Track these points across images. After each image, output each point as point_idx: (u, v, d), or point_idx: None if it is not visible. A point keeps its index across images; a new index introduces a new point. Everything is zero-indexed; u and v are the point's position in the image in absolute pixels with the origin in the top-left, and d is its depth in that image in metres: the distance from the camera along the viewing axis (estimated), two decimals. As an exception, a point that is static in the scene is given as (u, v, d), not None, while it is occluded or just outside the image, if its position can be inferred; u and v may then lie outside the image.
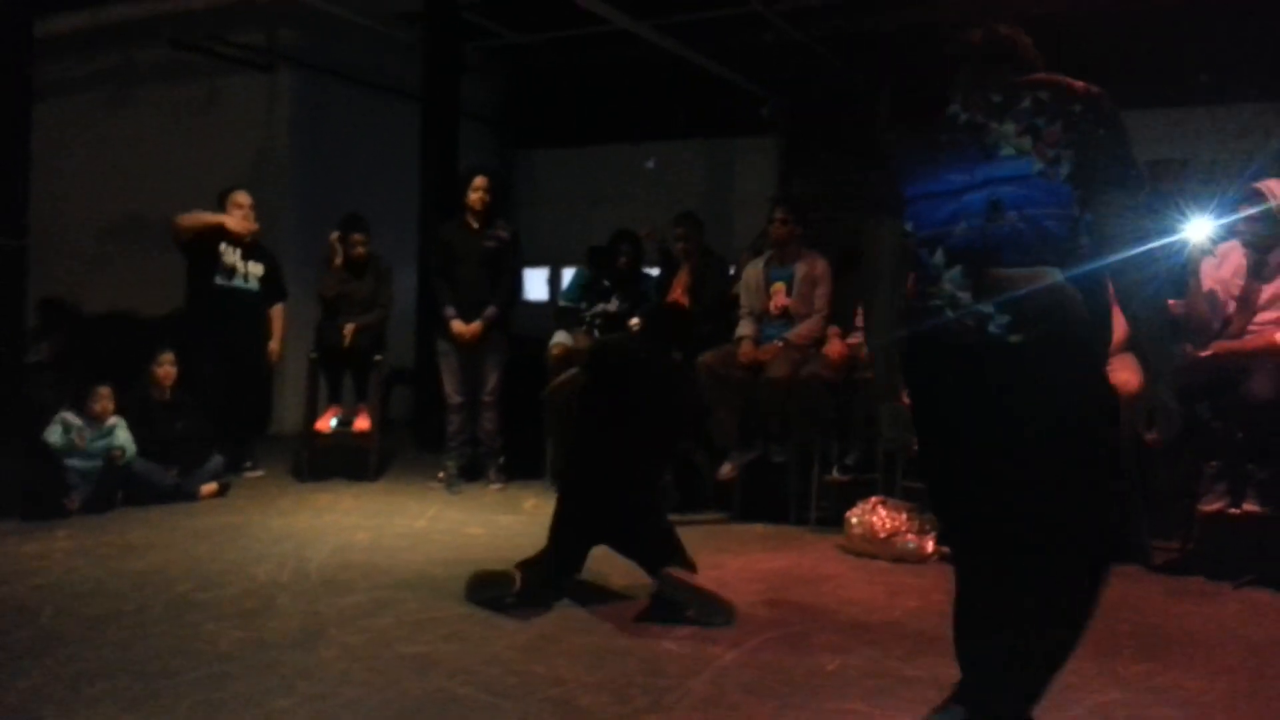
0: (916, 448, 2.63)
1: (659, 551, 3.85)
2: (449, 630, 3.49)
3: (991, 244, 2.32)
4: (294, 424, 7.90)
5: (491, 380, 6.27)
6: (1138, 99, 6.96)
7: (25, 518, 5.04)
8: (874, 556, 4.71)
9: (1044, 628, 2.35)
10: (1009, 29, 2.51)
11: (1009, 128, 2.34)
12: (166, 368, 5.85)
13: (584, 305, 6.59)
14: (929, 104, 2.56)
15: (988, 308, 2.29)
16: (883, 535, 4.72)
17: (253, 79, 8.75)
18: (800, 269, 5.77)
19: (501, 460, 6.40)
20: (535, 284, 10.59)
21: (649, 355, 4.25)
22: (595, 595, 3.97)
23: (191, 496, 5.64)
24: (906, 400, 2.62)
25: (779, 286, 5.80)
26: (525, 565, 3.85)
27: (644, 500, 4.03)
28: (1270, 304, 4.43)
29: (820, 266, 5.80)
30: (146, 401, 5.79)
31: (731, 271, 6.59)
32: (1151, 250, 2.26)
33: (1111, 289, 2.36)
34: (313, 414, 6.62)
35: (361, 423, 6.59)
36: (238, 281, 6.46)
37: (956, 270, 2.35)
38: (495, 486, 6.29)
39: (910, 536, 4.70)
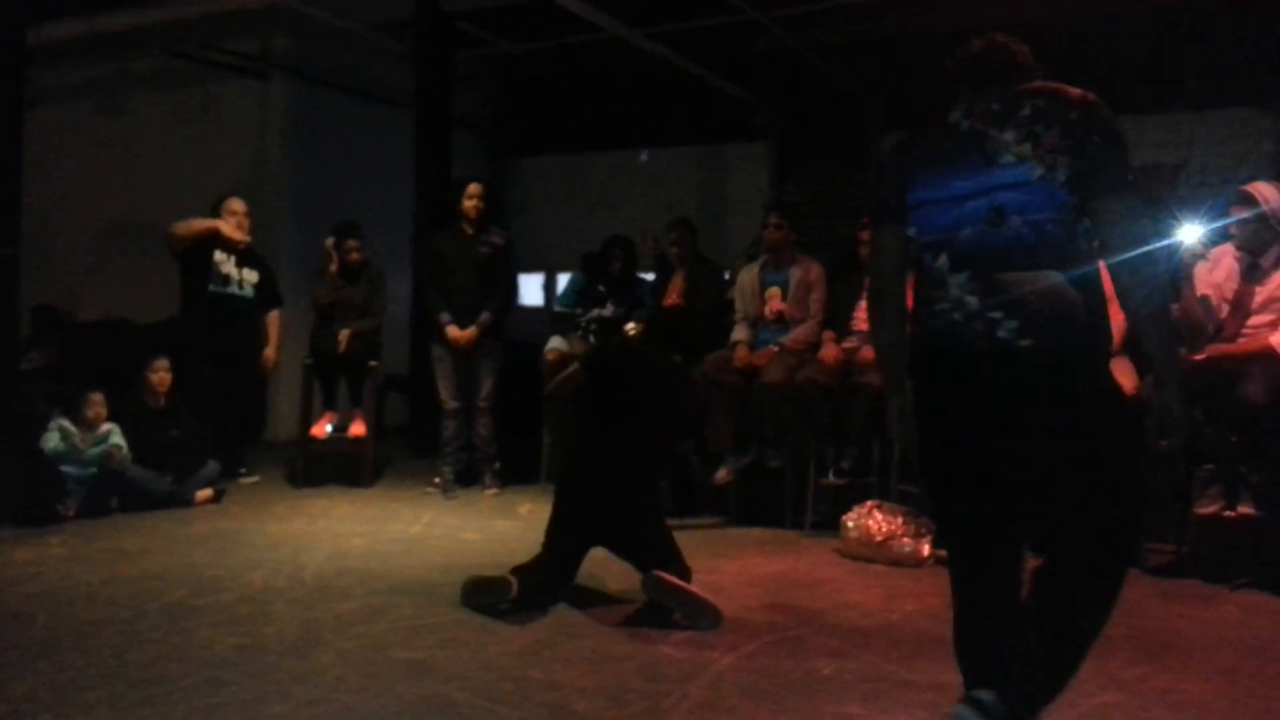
0: (917, 451, 2.63)
1: (656, 554, 3.84)
2: (444, 636, 3.49)
3: (995, 249, 2.34)
4: (289, 430, 7.90)
5: (486, 386, 6.28)
6: (1131, 104, 7.00)
7: (19, 524, 5.03)
8: (870, 560, 4.72)
9: (1070, 625, 2.38)
10: (1006, 38, 2.54)
11: (1009, 135, 2.36)
12: (161, 374, 5.84)
13: (579, 310, 6.60)
14: (930, 111, 2.58)
15: (996, 313, 2.30)
16: (879, 539, 4.73)
17: (247, 87, 8.76)
18: (795, 274, 5.78)
19: (497, 465, 6.40)
20: (530, 290, 10.60)
21: (650, 356, 4.25)
22: (591, 600, 3.96)
23: (186, 503, 5.63)
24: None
25: (774, 291, 5.81)
26: (521, 570, 3.85)
27: (643, 501, 4.03)
28: (1263, 307, 4.44)
29: (815, 271, 5.81)
30: (141, 408, 5.78)
31: (726, 277, 6.60)
32: (1151, 252, 2.28)
33: (1114, 292, 2.38)
34: (308, 420, 6.61)
35: (356, 428, 6.59)
36: (232, 288, 6.46)
37: (963, 276, 2.36)
38: (491, 492, 6.29)
39: (906, 540, 4.70)
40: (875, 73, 8.59)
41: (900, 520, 4.77)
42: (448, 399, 6.29)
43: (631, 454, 4.02)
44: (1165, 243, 2.38)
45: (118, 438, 5.47)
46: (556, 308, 6.93)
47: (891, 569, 4.61)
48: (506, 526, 5.38)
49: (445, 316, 6.19)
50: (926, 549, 4.68)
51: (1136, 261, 2.27)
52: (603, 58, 9.42)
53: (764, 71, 8.97)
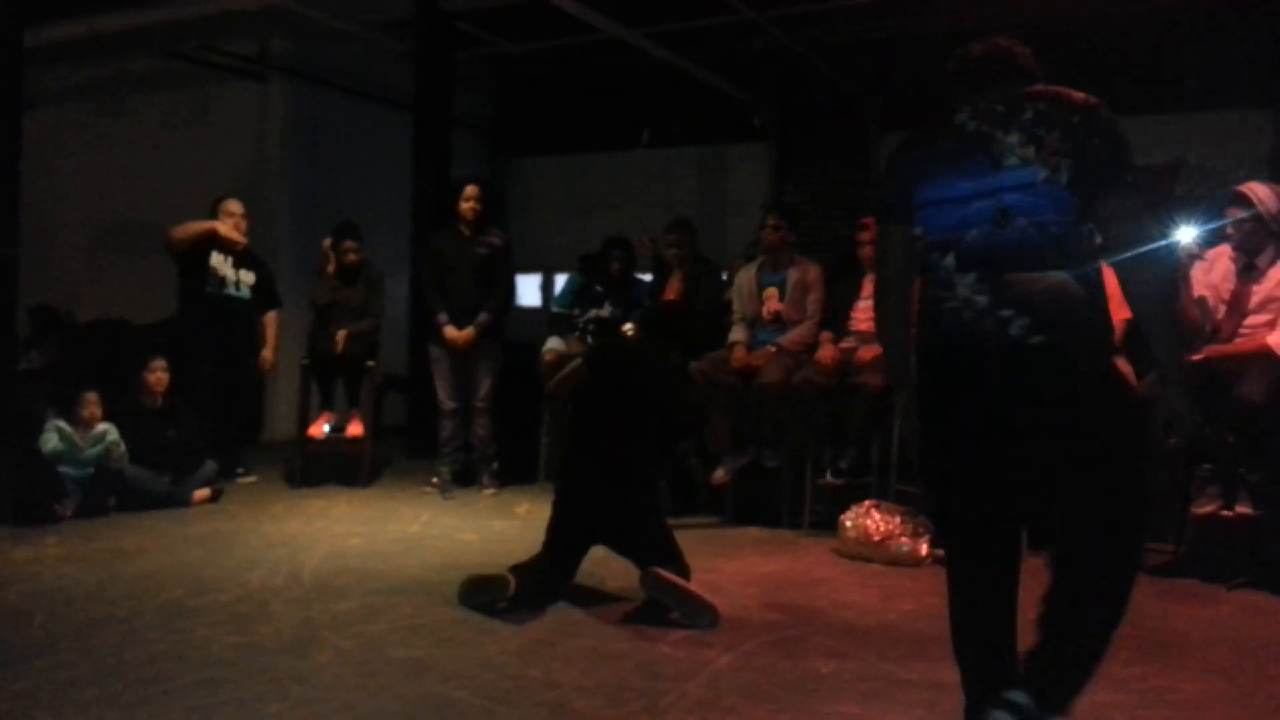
0: (919, 449, 2.64)
1: (657, 553, 3.85)
2: (443, 635, 3.49)
3: (1002, 250, 2.36)
4: (287, 430, 7.89)
5: (484, 386, 6.29)
6: (1129, 104, 7.00)
7: (17, 523, 5.03)
8: (868, 560, 4.72)
9: (1085, 622, 2.40)
10: (1008, 41, 2.55)
11: (1014, 138, 2.39)
12: (159, 374, 5.84)
13: (577, 311, 6.61)
14: (930, 112, 2.60)
15: (1006, 311, 2.32)
16: (877, 538, 4.73)
17: (245, 88, 8.75)
18: (792, 275, 5.78)
19: (495, 466, 6.40)
20: (528, 290, 10.59)
21: (649, 356, 4.26)
22: (590, 599, 3.96)
23: (184, 502, 5.63)
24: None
25: (771, 292, 5.81)
26: (519, 569, 3.85)
27: (642, 500, 4.04)
28: (1260, 307, 4.44)
29: (812, 272, 5.81)
30: (139, 408, 5.78)
31: (724, 277, 6.61)
32: (1155, 251, 2.31)
33: (1113, 291, 2.39)
34: (305, 420, 6.61)
35: (354, 429, 6.59)
36: (229, 290, 6.47)
37: (971, 276, 2.39)
38: (489, 492, 6.29)
39: (904, 540, 4.71)
40: (874, 73, 8.60)
41: (898, 520, 4.77)
42: (446, 399, 6.30)
43: (631, 454, 4.02)
44: (1167, 242, 2.39)
45: (114, 435, 5.47)
46: (554, 308, 6.94)
47: (889, 568, 4.61)
48: (504, 526, 5.38)
49: (443, 317, 6.20)
50: (924, 548, 4.68)
51: (1140, 260, 2.30)
52: (602, 58, 9.43)
53: (763, 72, 8.98)
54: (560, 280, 8.03)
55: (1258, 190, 4.45)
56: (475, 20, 8.65)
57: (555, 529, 4.01)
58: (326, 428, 6.64)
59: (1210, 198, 6.00)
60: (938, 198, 2.47)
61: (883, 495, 5.12)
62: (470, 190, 6.32)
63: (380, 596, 3.93)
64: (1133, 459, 2.41)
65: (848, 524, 4.84)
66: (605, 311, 6.49)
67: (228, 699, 2.85)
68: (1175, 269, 4.35)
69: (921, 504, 4.82)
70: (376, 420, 6.98)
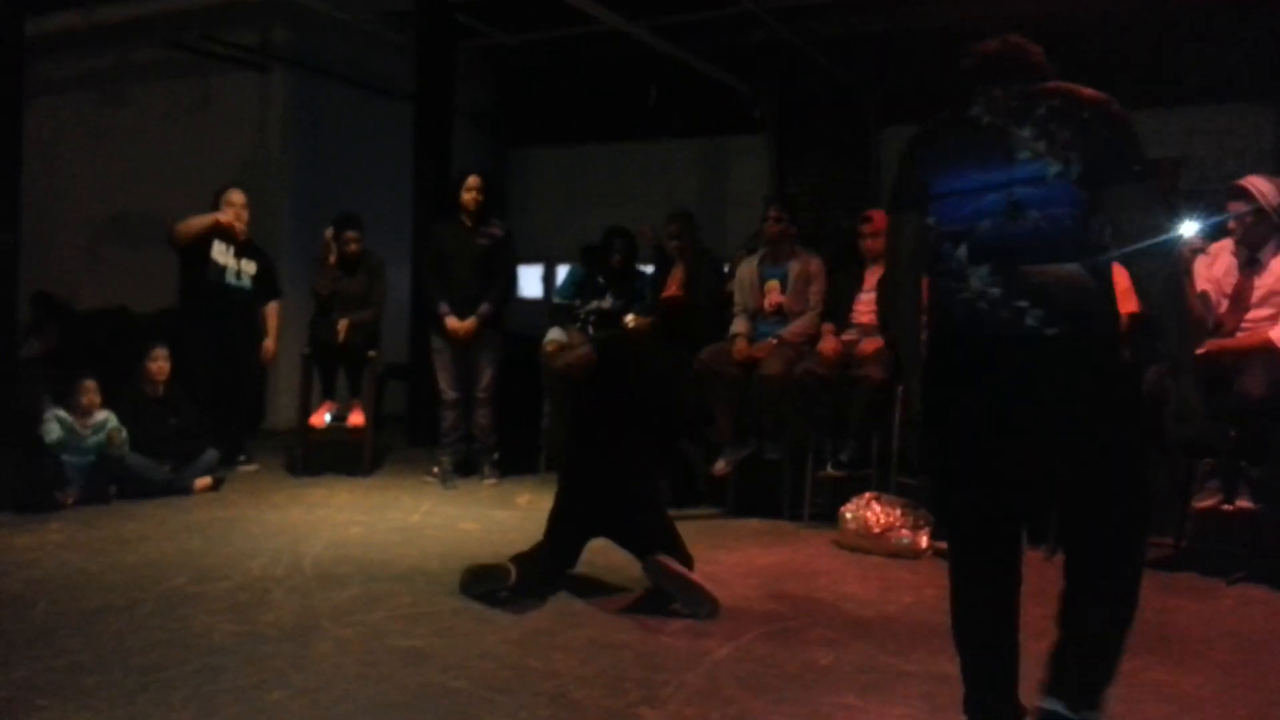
0: (924, 441, 2.66)
1: (658, 544, 3.85)
2: (443, 624, 3.49)
3: (1015, 241, 2.39)
4: (288, 419, 7.90)
5: (486, 376, 6.29)
6: (1131, 100, 6.98)
7: (19, 511, 5.03)
8: (868, 552, 4.72)
9: (1102, 619, 2.45)
10: (1021, 39, 2.57)
11: (1027, 132, 2.41)
12: (160, 363, 5.85)
13: (578, 302, 6.61)
14: (928, 105, 2.61)
15: (1021, 301, 2.35)
16: (877, 530, 4.73)
17: (246, 78, 8.75)
18: (794, 267, 5.78)
19: (496, 456, 6.41)
20: (530, 281, 10.60)
21: (654, 352, 4.26)
22: (590, 589, 3.97)
23: (185, 491, 5.64)
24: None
25: (773, 284, 5.81)
26: (520, 559, 3.85)
27: (644, 492, 4.04)
28: (1262, 301, 4.43)
29: (814, 264, 5.81)
30: (140, 396, 5.79)
31: (726, 269, 6.60)
32: (1164, 244, 2.33)
33: (1129, 282, 2.41)
34: (307, 409, 6.62)
35: (356, 418, 6.60)
36: (231, 279, 6.47)
37: (984, 269, 2.41)
38: (490, 482, 6.30)
39: (904, 532, 4.71)
40: (873, 67, 8.59)
41: (898, 512, 4.77)
42: (447, 389, 6.30)
43: (633, 446, 4.02)
44: (1176, 235, 2.42)
45: (115, 423, 5.48)
46: (555, 299, 6.94)
47: (889, 560, 4.61)
48: (505, 516, 5.38)
49: (444, 307, 6.20)
50: (924, 541, 4.68)
51: (1150, 253, 2.32)
52: (603, 50, 9.42)
53: (762, 64, 8.97)
54: (562, 271, 8.03)
55: (1258, 184, 4.44)
56: (475, 11, 8.65)
57: (556, 519, 4.02)
58: (328, 417, 6.65)
59: (1213, 193, 5.99)
60: (951, 189, 2.49)
61: (883, 487, 5.12)
62: (472, 180, 6.31)
63: (380, 585, 3.94)
64: (1134, 459, 2.43)
65: (848, 516, 4.84)
66: (607, 303, 6.49)
67: (228, 686, 2.85)
68: (1181, 261, 4.37)
69: (922, 496, 4.83)
70: (377, 409, 6.99)
